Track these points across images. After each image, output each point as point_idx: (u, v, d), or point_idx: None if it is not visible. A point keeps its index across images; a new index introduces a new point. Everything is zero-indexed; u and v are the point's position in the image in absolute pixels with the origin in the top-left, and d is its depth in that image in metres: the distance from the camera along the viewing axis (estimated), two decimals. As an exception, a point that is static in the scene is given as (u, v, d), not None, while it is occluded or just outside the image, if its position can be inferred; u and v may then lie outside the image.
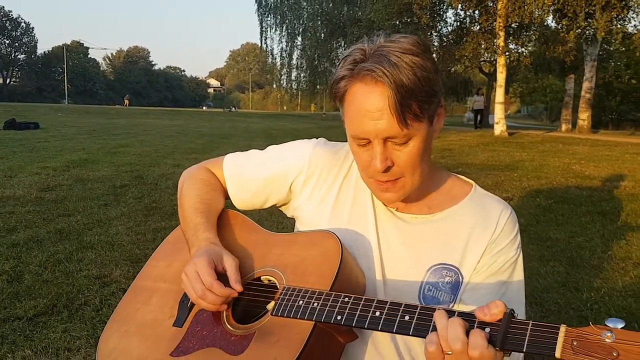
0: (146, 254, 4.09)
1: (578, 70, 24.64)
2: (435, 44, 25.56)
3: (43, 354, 2.45)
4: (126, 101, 65.62)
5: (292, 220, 1.38)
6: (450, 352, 0.87)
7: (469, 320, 0.89)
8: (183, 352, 1.16)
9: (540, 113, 50.98)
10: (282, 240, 1.27)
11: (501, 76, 19.45)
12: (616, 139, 18.40)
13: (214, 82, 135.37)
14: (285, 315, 1.07)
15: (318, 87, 36.22)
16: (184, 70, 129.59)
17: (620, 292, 3.38)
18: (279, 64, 37.91)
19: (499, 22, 18.91)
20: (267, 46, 37.73)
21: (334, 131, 22.40)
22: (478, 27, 21.72)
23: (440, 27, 25.42)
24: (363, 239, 1.22)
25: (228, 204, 1.42)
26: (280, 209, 1.43)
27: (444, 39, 25.56)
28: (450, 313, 0.91)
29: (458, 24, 24.99)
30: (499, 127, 19.15)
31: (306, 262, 1.16)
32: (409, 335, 0.94)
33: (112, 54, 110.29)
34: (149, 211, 5.62)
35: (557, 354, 0.79)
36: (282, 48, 36.96)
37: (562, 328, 0.80)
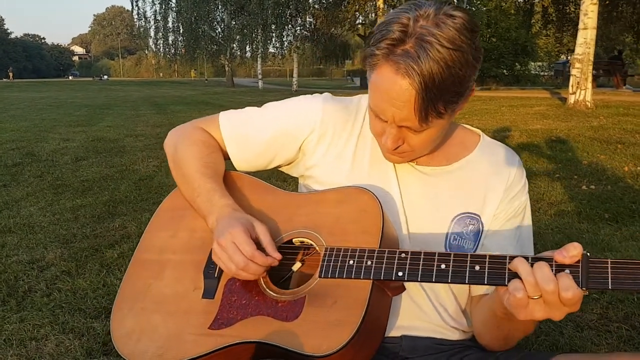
0: (74, 234, 3.83)
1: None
2: (317, 6, 25.68)
3: (7, 346, 2.24)
4: (10, 74, 59.51)
5: (293, 181, 1.35)
6: (536, 297, 0.89)
7: (548, 263, 0.90)
8: (224, 324, 1.10)
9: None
10: (305, 200, 1.22)
11: (383, 37, 20.05)
12: (484, 94, 19.81)
13: (78, 50, 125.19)
14: (336, 276, 1.04)
15: (198, 51, 34.83)
16: (44, 38, 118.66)
17: (547, 230, 3.76)
18: (153, 27, 35.95)
19: (378, -17, 19.43)
20: (138, 9, 35.60)
21: (222, 97, 21.92)
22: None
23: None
24: (385, 194, 1.21)
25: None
26: (282, 169, 1.38)
27: (323, 1, 25.71)
28: (525, 259, 0.91)
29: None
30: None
31: (342, 220, 1.13)
32: (484, 284, 0.95)
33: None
34: (56, 189, 5.20)
35: None
36: (155, 11, 35.01)
37: None
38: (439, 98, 1.01)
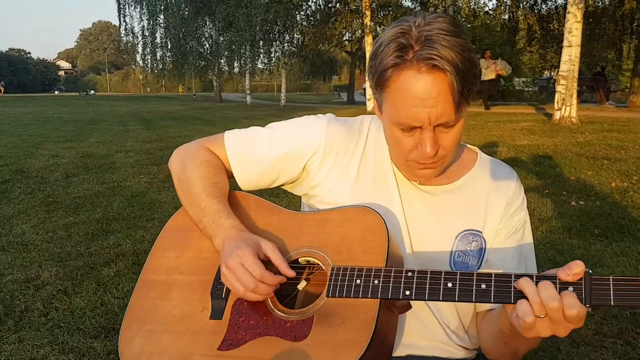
0: (68, 252, 3.82)
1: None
2: (305, 23, 25.89)
3: (7, 367, 2.24)
4: (1, 89, 58.76)
5: (295, 199, 1.36)
6: (542, 315, 0.91)
7: (552, 282, 0.93)
8: (233, 344, 1.10)
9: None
10: (310, 219, 1.23)
11: (370, 54, 20.26)
12: (470, 109, 20.01)
13: (64, 64, 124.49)
14: (344, 295, 1.06)
15: (186, 66, 34.86)
16: (29, 53, 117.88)
17: (539, 246, 3.81)
18: (141, 43, 35.95)
19: (365, 2, 19.61)
20: (126, 24, 35.64)
21: (210, 112, 21.92)
22: (345, 7, 22.33)
23: (306, 6, 25.77)
24: (388, 212, 1.23)
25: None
26: (285, 188, 1.40)
27: (311, 18, 25.95)
28: (530, 278, 0.94)
29: (324, 1, 25.52)
30: (371, 103, 20.02)
31: (348, 239, 1.14)
32: (491, 302, 0.97)
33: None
34: (48, 207, 5.18)
35: None
36: (143, 26, 35.04)
37: None
38: (465, 81, 1.05)
